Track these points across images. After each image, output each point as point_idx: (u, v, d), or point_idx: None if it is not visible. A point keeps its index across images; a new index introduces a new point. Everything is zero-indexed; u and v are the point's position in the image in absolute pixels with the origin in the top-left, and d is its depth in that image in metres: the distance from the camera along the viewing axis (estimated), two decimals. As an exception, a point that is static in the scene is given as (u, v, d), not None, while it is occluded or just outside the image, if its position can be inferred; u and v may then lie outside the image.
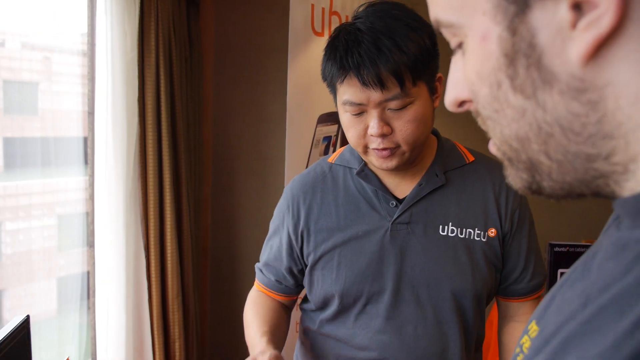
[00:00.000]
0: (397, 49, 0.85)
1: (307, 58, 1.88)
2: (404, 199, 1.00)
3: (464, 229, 0.99)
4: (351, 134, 0.94)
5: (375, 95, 0.87)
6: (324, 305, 1.06)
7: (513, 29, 0.33)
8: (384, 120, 0.89)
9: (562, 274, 2.33)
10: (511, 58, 0.34)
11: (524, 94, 0.34)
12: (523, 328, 1.05)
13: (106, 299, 1.87)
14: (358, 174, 1.01)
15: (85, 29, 2.06)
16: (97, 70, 1.83)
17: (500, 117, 0.36)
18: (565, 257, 2.44)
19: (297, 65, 1.84)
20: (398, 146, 0.92)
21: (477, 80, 0.36)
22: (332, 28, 1.97)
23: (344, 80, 0.89)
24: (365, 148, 0.94)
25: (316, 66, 1.91)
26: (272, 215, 2.93)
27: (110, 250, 1.86)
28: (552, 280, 2.09)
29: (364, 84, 0.86)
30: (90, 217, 2.11)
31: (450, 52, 0.42)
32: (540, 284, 1.08)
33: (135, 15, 1.83)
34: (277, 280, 1.12)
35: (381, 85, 0.86)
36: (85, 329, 2.13)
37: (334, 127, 2.06)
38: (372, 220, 1.00)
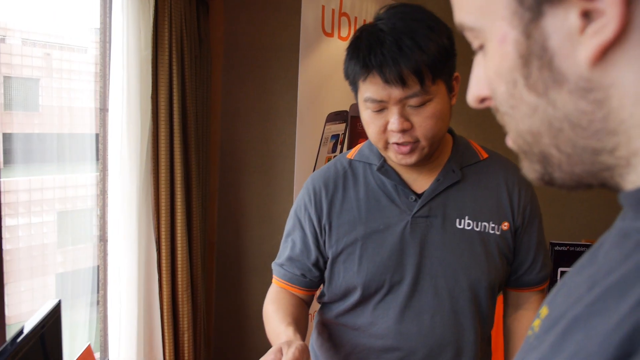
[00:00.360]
0: (418, 49, 0.89)
1: (317, 58, 1.93)
2: (422, 193, 1.05)
3: (480, 222, 1.04)
4: (372, 130, 0.99)
5: (397, 92, 0.92)
6: (344, 296, 1.09)
7: (528, 33, 0.37)
8: (404, 117, 0.94)
9: (562, 272, 2.38)
10: (526, 59, 0.38)
11: (537, 92, 0.38)
12: (530, 315, 1.11)
13: (118, 291, 1.91)
14: (378, 169, 1.06)
15: (97, 26, 2.11)
16: (112, 68, 1.87)
17: (516, 112, 0.40)
18: (566, 256, 2.50)
19: (308, 65, 1.89)
20: (417, 141, 0.96)
21: (495, 78, 0.41)
22: (342, 29, 2.02)
23: (366, 78, 0.94)
24: (386, 144, 0.98)
25: (326, 66, 1.97)
26: (277, 211, 2.98)
27: (123, 243, 1.91)
28: (553, 279, 2.14)
29: (386, 81, 0.91)
30: (101, 211, 2.16)
31: (466, 53, 0.46)
32: (547, 276, 1.14)
33: (150, 13, 1.87)
34: (302, 274, 1.14)
35: (402, 82, 0.91)
36: (95, 322, 2.18)
37: (342, 126, 2.11)
38: (392, 213, 1.05)
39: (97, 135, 2.15)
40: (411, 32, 0.91)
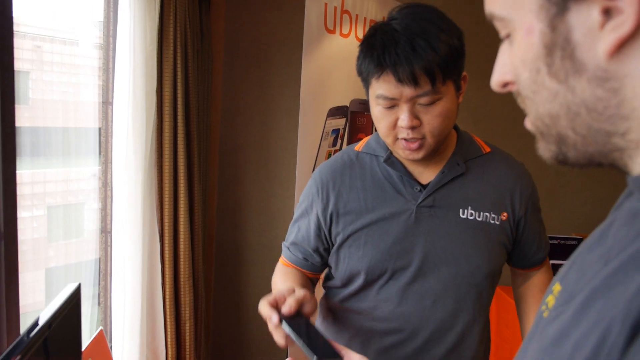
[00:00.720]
0: (430, 49, 0.93)
1: (319, 54, 1.97)
2: (427, 184, 1.09)
3: (481, 213, 1.09)
4: (382, 125, 1.03)
5: (408, 91, 0.96)
6: (348, 281, 1.14)
7: (553, 26, 0.41)
8: (414, 114, 0.99)
9: (553, 265, 2.46)
10: (550, 49, 0.42)
11: (558, 79, 0.42)
12: (537, 286, 1.17)
13: (123, 282, 1.95)
14: (385, 161, 1.11)
15: (101, 20, 2.12)
16: (117, 62, 1.90)
17: (537, 97, 0.45)
18: (557, 248, 2.58)
19: (310, 61, 1.93)
20: (424, 138, 1.01)
21: (520, 65, 0.45)
22: (344, 26, 2.06)
23: (380, 76, 0.97)
24: (395, 139, 1.03)
25: (328, 62, 2.02)
26: (276, 205, 3.04)
27: (127, 235, 1.94)
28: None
29: (399, 80, 0.95)
30: (102, 204, 2.19)
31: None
32: (547, 254, 1.23)
33: (156, 9, 1.90)
34: (304, 258, 1.21)
35: (415, 82, 0.95)
36: (96, 313, 2.21)
37: (342, 121, 2.16)
38: (397, 203, 1.09)
39: (99, 130, 2.17)
40: (424, 32, 0.94)
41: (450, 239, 1.08)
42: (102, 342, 1.31)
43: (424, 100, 0.98)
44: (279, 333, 0.89)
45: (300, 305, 0.91)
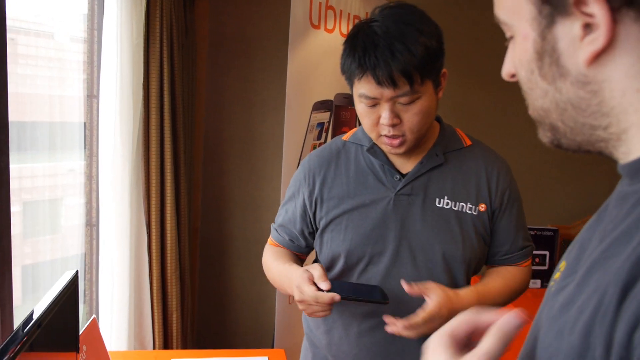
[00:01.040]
0: (408, 53, 0.99)
1: (305, 49, 2.01)
2: (407, 173, 1.16)
3: (457, 203, 1.15)
4: (365, 122, 1.10)
5: (388, 92, 1.02)
6: (331, 264, 1.21)
7: (543, 36, 0.48)
8: (394, 113, 1.05)
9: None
10: (540, 55, 0.49)
11: (547, 81, 0.49)
12: (509, 271, 1.21)
13: (111, 274, 1.97)
14: (368, 150, 1.17)
15: (85, 12, 2.11)
16: (103, 55, 1.91)
17: (532, 93, 0.52)
18: (534, 239, 2.66)
19: (296, 55, 1.97)
20: (404, 134, 1.07)
21: (519, 65, 0.53)
22: (328, 21, 2.10)
23: (361, 77, 1.03)
24: (378, 135, 1.09)
25: (313, 57, 2.06)
26: (261, 198, 3.07)
27: (114, 227, 1.96)
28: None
29: (379, 82, 1.01)
30: (87, 197, 2.19)
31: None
32: (526, 255, 1.24)
33: (142, 2, 1.91)
34: (290, 240, 1.28)
35: (393, 84, 1.01)
36: (81, 306, 2.21)
37: (327, 114, 2.20)
38: (378, 190, 1.16)
39: (84, 124, 2.16)
40: (402, 36, 1.00)
41: (425, 225, 1.14)
42: (95, 330, 1.33)
43: (403, 100, 1.03)
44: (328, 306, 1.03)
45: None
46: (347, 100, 2.24)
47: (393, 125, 1.05)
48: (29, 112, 2.00)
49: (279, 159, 2.60)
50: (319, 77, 2.08)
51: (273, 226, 1.33)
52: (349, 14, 2.18)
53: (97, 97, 2.06)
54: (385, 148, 1.13)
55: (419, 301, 1.10)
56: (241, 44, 2.65)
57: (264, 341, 2.76)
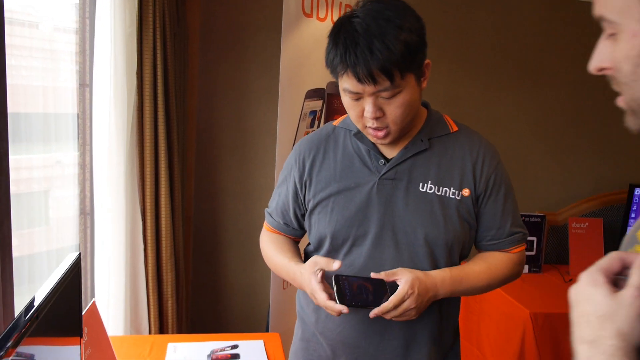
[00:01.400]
0: (387, 51, 1.02)
1: (297, 38, 2.03)
2: (392, 158, 1.19)
3: (441, 187, 1.18)
4: (351, 114, 1.14)
5: (369, 88, 1.05)
6: (319, 245, 1.25)
7: None
8: (377, 106, 1.08)
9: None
10: None
11: None
12: (498, 257, 1.24)
13: (107, 261, 1.98)
14: (355, 135, 1.21)
15: (76, 2, 2.10)
16: (96, 43, 1.91)
17: (634, 85, 0.58)
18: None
19: (289, 44, 1.98)
20: (388, 126, 1.11)
21: (623, 59, 0.59)
22: (320, 10, 2.12)
23: (343, 74, 1.07)
24: (364, 126, 1.13)
25: (305, 45, 2.07)
26: (253, 186, 3.10)
27: (110, 215, 1.97)
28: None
29: (359, 79, 1.04)
30: (81, 186, 2.20)
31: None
32: (518, 240, 1.25)
33: (135, -10, 1.92)
34: (285, 223, 1.33)
35: (373, 81, 1.04)
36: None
37: (319, 102, 2.23)
38: (363, 174, 1.20)
39: (77, 115, 2.15)
40: (382, 34, 1.02)
41: (408, 209, 1.17)
42: (96, 313, 1.36)
43: (385, 94, 1.07)
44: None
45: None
46: (339, 89, 2.26)
47: (376, 119, 1.09)
48: (22, 104, 1.98)
49: (271, 148, 2.63)
50: (311, 66, 2.10)
51: (267, 211, 1.37)
52: (340, 2, 2.20)
53: (90, 85, 2.06)
54: (372, 139, 1.17)
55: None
56: (233, 33, 2.66)
57: (257, 327, 2.80)
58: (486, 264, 1.23)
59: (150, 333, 2.15)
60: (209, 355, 1.65)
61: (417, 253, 1.17)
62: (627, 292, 0.52)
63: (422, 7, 1.15)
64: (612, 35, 0.60)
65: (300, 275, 1.18)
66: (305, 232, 1.34)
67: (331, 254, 1.23)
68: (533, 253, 2.81)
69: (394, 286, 1.11)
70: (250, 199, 2.78)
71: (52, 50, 2.09)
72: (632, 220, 2.88)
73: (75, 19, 2.11)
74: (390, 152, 1.21)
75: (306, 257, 1.33)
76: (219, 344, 1.74)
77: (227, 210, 2.80)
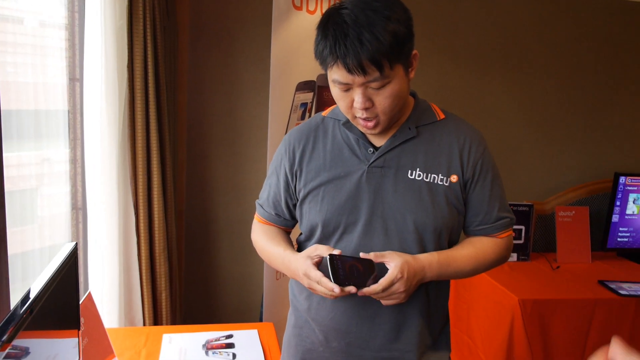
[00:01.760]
0: (376, 42, 1.03)
1: (288, 31, 2.04)
2: (380, 147, 1.21)
3: (429, 174, 1.20)
4: (341, 105, 1.16)
5: (359, 79, 1.07)
6: (310, 234, 1.28)
7: None
8: (367, 97, 1.10)
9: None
10: None
11: None
12: (486, 242, 1.27)
13: (101, 256, 1.99)
14: (344, 124, 1.23)
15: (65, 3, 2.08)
16: (87, 37, 1.91)
17: None
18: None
19: (279, 37, 1.99)
20: (378, 116, 1.13)
21: None
22: (310, 3, 2.13)
23: (333, 65, 1.08)
24: (353, 116, 1.15)
25: (296, 38, 2.09)
26: (245, 179, 3.12)
27: (102, 209, 1.98)
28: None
29: (349, 70, 1.06)
30: (72, 181, 2.20)
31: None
32: (505, 225, 1.28)
33: (124, -16, 1.91)
34: (276, 214, 1.35)
35: (363, 71, 1.05)
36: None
37: (310, 95, 2.24)
38: (352, 163, 1.22)
39: (68, 111, 2.14)
40: (370, 25, 1.03)
41: (397, 196, 1.19)
42: (92, 304, 1.37)
43: (374, 85, 1.08)
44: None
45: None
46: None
47: (366, 109, 1.11)
48: (13, 100, 1.97)
49: (263, 140, 2.64)
50: (301, 58, 2.11)
51: (258, 202, 1.39)
52: (330, -5, 2.21)
53: (80, 80, 2.06)
54: (362, 129, 1.19)
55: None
56: (223, 27, 2.66)
57: (250, 318, 2.83)
58: (474, 249, 1.26)
59: (144, 325, 2.17)
60: (204, 345, 1.68)
61: (407, 239, 1.20)
62: None
63: (410, -1, 1.17)
64: None
65: (295, 261, 1.20)
66: (296, 222, 1.36)
67: (322, 241, 1.25)
68: (521, 241, 2.86)
69: (382, 268, 1.14)
70: (242, 192, 2.80)
71: (42, 46, 2.08)
72: (617, 208, 2.94)
73: (65, 14, 2.11)
74: (379, 141, 1.23)
75: (299, 246, 1.35)
76: (213, 334, 1.76)
77: (219, 203, 2.81)
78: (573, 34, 3.00)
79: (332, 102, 1.27)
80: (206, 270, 2.87)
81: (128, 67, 1.99)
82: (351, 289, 1.09)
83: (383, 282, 1.11)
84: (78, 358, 1.18)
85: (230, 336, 1.75)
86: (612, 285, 2.50)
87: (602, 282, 2.55)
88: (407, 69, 1.13)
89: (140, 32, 2.01)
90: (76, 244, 1.07)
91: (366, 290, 1.11)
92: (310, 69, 2.20)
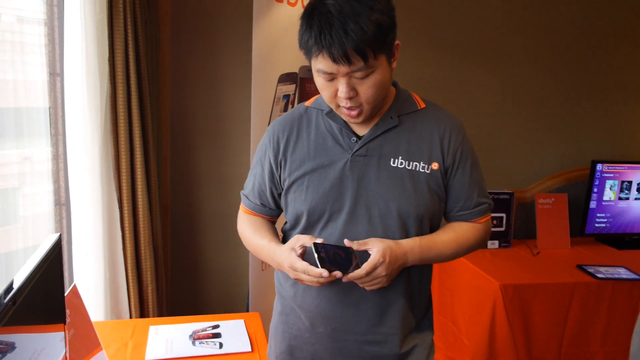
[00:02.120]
0: (361, 32, 1.05)
1: (269, 23, 2.05)
2: (363, 136, 1.24)
3: (411, 162, 1.23)
4: (325, 94, 1.17)
5: (344, 68, 1.09)
6: (295, 222, 1.31)
7: None
8: (351, 86, 1.12)
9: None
10: None
11: None
12: (466, 228, 1.30)
13: (85, 252, 1.99)
14: (327, 114, 1.26)
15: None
16: (66, 31, 1.90)
17: None
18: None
19: (260, 29, 2.00)
20: (361, 105, 1.15)
21: None
22: (290, -5, 2.14)
23: (318, 55, 1.10)
24: (337, 106, 1.18)
25: (277, 31, 2.10)
26: (228, 172, 3.13)
27: (86, 204, 1.97)
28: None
29: (334, 60, 1.08)
30: (55, 176, 2.19)
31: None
32: (484, 210, 1.33)
33: (103, -23, 1.90)
34: (262, 204, 1.37)
35: (348, 61, 1.07)
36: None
37: (292, 87, 2.26)
38: (336, 152, 1.24)
39: (49, 109, 2.12)
40: (355, 15, 1.05)
41: (380, 183, 1.23)
42: (77, 296, 1.38)
43: (358, 74, 1.11)
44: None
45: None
46: (311, 73, 2.29)
47: (350, 98, 1.13)
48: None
49: (246, 133, 2.65)
50: (283, 50, 2.13)
51: (243, 193, 1.41)
52: (310, -13, 2.22)
53: (61, 74, 2.05)
54: (345, 118, 1.21)
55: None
56: (204, 20, 2.66)
57: (236, 310, 2.84)
58: (454, 234, 1.30)
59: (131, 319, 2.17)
60: (190, 336, 1.69)
61: (390, 225, 1.23)
62: None
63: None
64: None
65: (280, 253, 1.22)
66: (281, 211, 1.39)
67: (307, 230, 1.28)
68: (502, 229, 2.91)
69: (364, 255, 1.17)
70: (226, 184, 2.81)
71: (21, 43, 2.06)
72: (594, 195, 3.01)
73: (44, 9, 2.09)
74: (362, 130, 1.25)
75: (284, 235, 1.37)
76: (200, 324, 1.78)
77: (203, 196, 2.82)
78: (551, 24, 3.05)
79: (315, 94, 1.29)
80: (192, 263, 2.88)
81: (109, 61, 1.98)
82: (337, 273, 1.12)
83: (366, 266, 1.14)
84: (65, 351, 1.19)
85: (216, 326, 1.76)
86: (590, 270, 2.57)
87: (580, 267, 2.62)
88: (390, 59, 1.15)
89: (121, 25, 2.00)
90: (60, 235, 1.07)
91: (350, 275, 1.14)
92: (292, 61, 2.21)
